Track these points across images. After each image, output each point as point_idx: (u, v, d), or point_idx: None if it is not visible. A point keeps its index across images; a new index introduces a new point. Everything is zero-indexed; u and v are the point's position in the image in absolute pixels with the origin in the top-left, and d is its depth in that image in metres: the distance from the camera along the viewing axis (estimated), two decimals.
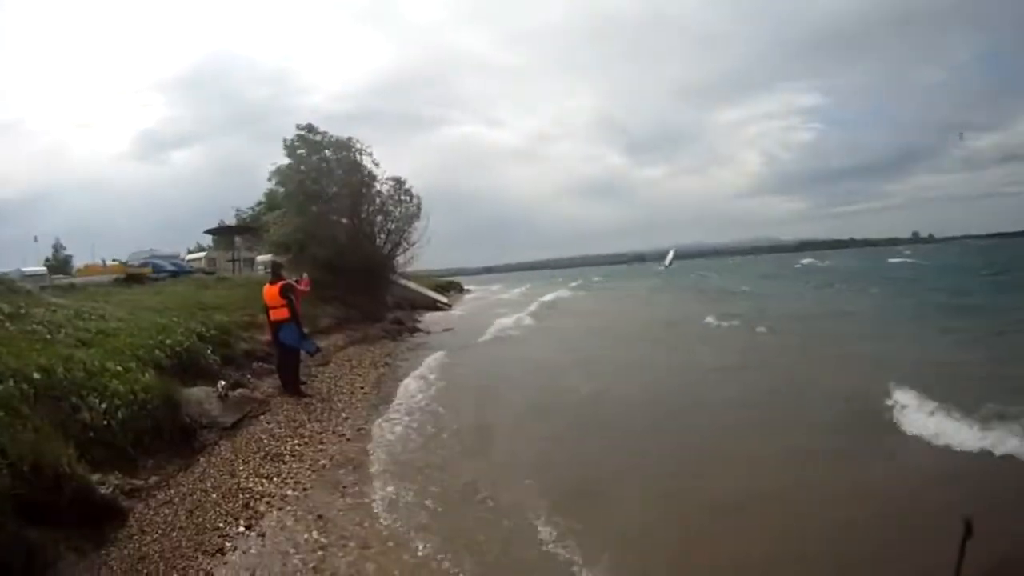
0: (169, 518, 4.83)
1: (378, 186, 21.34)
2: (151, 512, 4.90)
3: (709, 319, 16.52)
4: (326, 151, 20.21)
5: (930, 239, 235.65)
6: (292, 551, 4.37)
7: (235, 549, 4.42)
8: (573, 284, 49.96)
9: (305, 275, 10.86)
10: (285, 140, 20.04)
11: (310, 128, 20.36)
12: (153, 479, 5.41)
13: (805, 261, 69.26)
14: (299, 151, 19.95)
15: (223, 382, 8.03)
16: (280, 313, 9.32)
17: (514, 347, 15.18)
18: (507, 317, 21.65)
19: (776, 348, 12.11)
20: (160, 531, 4.62)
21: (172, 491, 5.35)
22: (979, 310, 15.33)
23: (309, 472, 6.05)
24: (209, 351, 8.95)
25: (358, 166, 20.57)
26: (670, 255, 44.90)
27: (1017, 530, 3.84)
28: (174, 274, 21.22)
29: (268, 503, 5.24)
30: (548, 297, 33.82)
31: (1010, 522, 3.96)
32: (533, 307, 26.00)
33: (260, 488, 5.58)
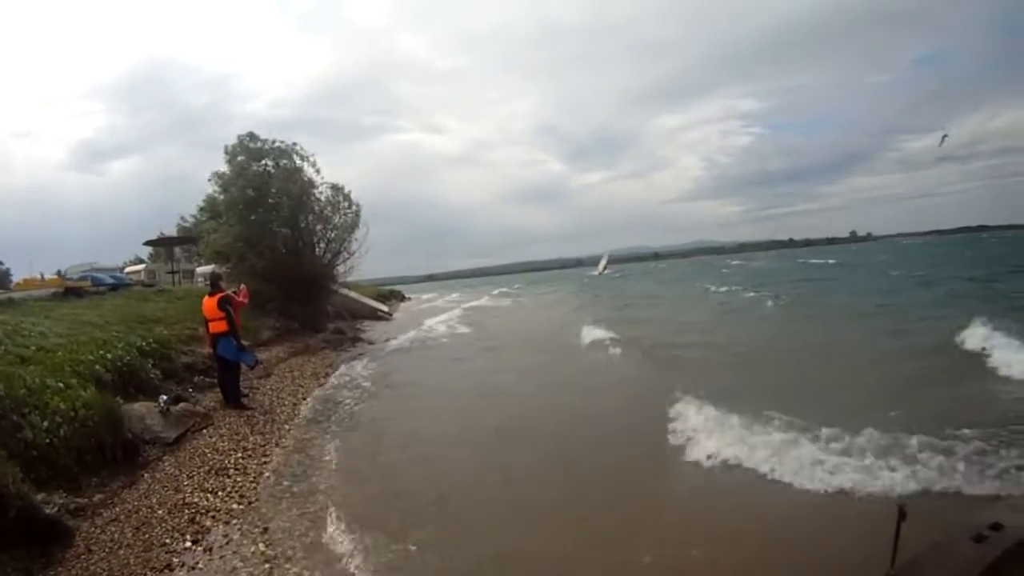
0: (116, 536, 4.81)
1: (318, 193, 20.61)
2: (97, 530, 4.87)
3: (594, 329, 15.73)
4: (266, 159, 19.68)
5: (868, 238, 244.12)
6: (239, 565, 4.43)
7: (183, 565, 4.45)
8: (495, 292, 52.49)
9: (243, 286, 10.59)
10: (226, 147, 19.34)
11: (252, 136, 19.75)
12: (98, 497, 5.37)
13: (734, 263, 73.59)
14: (239, 158, 19.37)
15: (165, 397, 7.90)
16: (219, 326, 9.19)
17: (436, 352, 15.80)
18: (436, 325, 23.18)
19: (623, 369, 11.34)
20: (107, 549, 4.62)
21: (117, 508, 5.31)
22: (871, 314, 15.55)
23: (253, 485, 6.06)
24: (150, 365, 8.76)
25: (299, 173, 19.91)
26: (603, 261, 45.33)
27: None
28: (114, 287, 20.33)
29: (214, 517, 5.26)
30: (470, 304, 36.85)
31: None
32: (455, 314, 27.91)
33: (205, 503, 5.58)
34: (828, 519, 4.49)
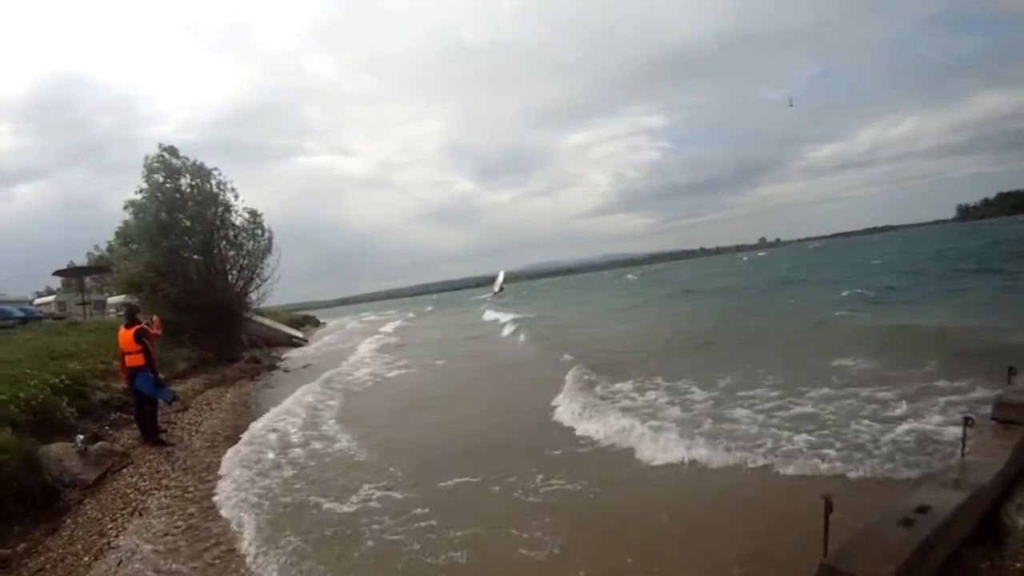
0: None
1: (233, 218, 19.69)
2: None
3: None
4: (183, 179, 18.31)
5: (777, 243, 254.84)
6: None
7: None
8: (369, 316, 56.76)
9: (156, 317, 9.97)
10: (146, 157, 17.81)
11: (172, 150, 18.33)
12: (22, 546, 5.03)
13: (631, 277, 78.25)
14: (156, 175, 17.87)
15: (82, 436, 7.36)
16: (136, 359, 8.70)
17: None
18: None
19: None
20: None
21: (43, 558, 4.98)
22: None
23: (179, 524, 5.88)
24: (65, 403, 8.15)
25: (215, 197, 18.90)
26: (499, 280, 42.80)
27: None
28: (24, 320, 18.47)
29: (141, 561, 5.08)
30: (350, 325, 41.83)
31: None
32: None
33: (131, 546, 5.37)
34: None
